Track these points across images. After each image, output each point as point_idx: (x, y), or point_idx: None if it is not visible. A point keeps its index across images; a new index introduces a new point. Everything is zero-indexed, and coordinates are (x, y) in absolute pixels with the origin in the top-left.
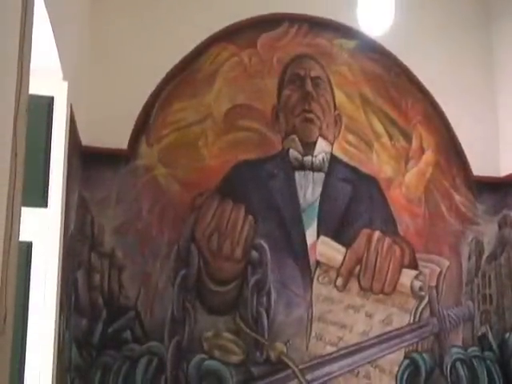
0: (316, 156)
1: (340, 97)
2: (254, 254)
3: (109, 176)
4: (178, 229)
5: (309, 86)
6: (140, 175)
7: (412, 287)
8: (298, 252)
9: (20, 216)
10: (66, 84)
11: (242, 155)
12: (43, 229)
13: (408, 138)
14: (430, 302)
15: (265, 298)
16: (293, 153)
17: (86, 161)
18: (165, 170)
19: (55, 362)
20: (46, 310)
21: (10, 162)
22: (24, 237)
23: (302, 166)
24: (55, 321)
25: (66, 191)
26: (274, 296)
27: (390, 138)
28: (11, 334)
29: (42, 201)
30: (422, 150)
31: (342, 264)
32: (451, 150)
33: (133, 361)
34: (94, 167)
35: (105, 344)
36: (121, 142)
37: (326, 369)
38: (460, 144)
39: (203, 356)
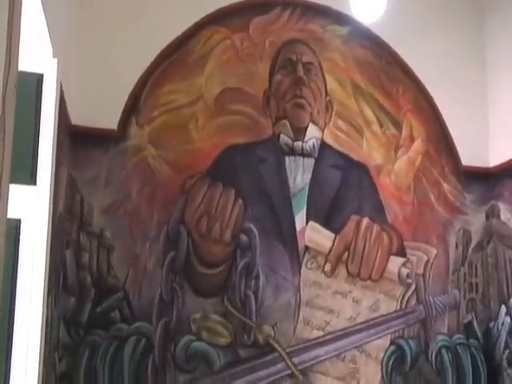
0: (306, 142)
1: (331, 83)
2: (243, 237)
3: (98, 156)
4: (168, 211)
5: (300, 72)
6: (130, 156)
7: (399, 274)
8: (287, 237)
9: (8, 193)
10: (55, 61)
11: (233, 139)
12: (32, 206)
13: (398, 126)
14: (416, 289)
15: (253, 282)
16: (283, 138)
17: (76, 140)
18: (155, 151)
19: (43, 340)
20: (34, 288)
21: None
22: (13, 214)
23: (293, 152)
24: (43, 299)
25: (54, 170)
26: (262, 280)
27: (381, 125)
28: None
29: (30, 178)
30: (411, 139)
31: (331, 250)
32: (441, 140)
33: (121, 340)
34: (83, 147)
35: (93, 323)
36: (111, 122)
37: (313, 353)
38: (449, 134)
39: (191, 337)
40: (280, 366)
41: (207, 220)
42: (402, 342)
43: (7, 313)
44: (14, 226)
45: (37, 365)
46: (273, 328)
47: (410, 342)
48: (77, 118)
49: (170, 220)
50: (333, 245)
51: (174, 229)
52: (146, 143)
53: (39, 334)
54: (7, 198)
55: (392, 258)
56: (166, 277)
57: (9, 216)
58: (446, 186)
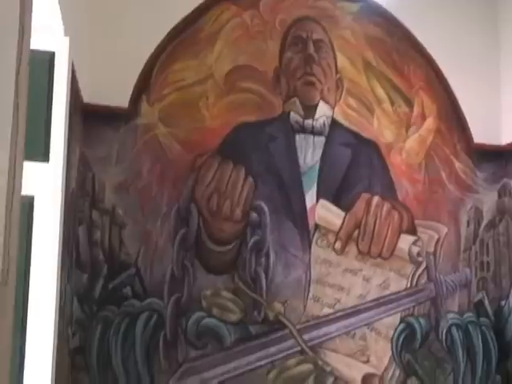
0: (317, 119)
1: (342, 61)
2: (254, 215)
3: (109, 134)
4: (178, 188)
5: (311, 49)
6: (140, 134)
7: (410, 253)
8: (297, 215)
9: (22, 170)
10: (67, 40)
11: (243, 117)
12: (45, 183)
13: (410, 103)
14: (427, 267)
15: (263, 259)
16: (293, 116)
17: (87, 118)
18: (165, 129)
19: (57, 315)
20: (48, 264)
21: (12, 116)
22: (26, 191)
23: (303, 130)
24: (57, 275)
25: (67, 147)
26: (272, 257)
27: (392, 103)
28: (14, 287)
29: (43, 155)
30: (423, 117)
31: (341, 228)
32: (453, 117)
33: (133, 316)
34: (94, 125)
35: (105, 299)
36: (122, 100)
37: (323, 330)
38: (461, 111)
39: (202, 314)
40: (290, 342)
41: (217, 198)
42: (412, 319)
43: (21, 289)
44: (28, 203)
45: (51, 339)
46: (283, 305)
47: (421, 320)
48: (88, 96)
49: (181, 198)
50: (343, 223)
51: (185, 206)
52: (157, 121)
53: (53, 309)
54: (22, 175)
55: (402, 236)
56: (177, 254)
57: (22, 193)
58: (457, 164)
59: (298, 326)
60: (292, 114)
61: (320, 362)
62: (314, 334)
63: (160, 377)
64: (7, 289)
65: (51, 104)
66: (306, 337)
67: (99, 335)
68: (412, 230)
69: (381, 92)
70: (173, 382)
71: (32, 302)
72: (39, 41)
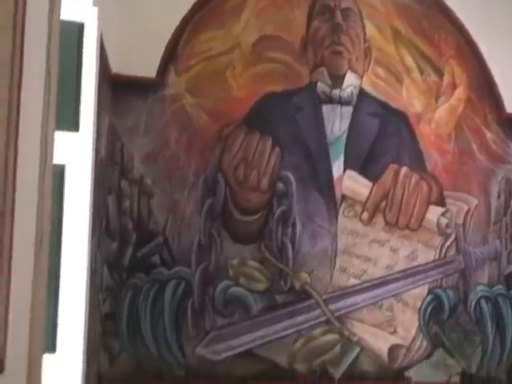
0: (344, 89)
1: (370, 29)
2: (280, 185)
3: (138, 104)
4: (205, 158)
5: (339, 18)
6: (168, 104)
7: (438, 224)
8: (324, 185)
9: (54, 139)
10: (95, 10)
11: (269, 87)
12: (75, 153)
13: (440, 72)
14: (456, 239)
15: (290, 229)
16: (321, 86)
17: (115, 89)
18: (192, 99)
19: (88, 283)
20: (79, 232)
21: (44, 87)
22: (57, 160)
23: (330, 100)
24: (88, 242)
25: (96, 117)
26: (298, 227)
27: (421, 72)
28: (47, 252)
29: (73, 125)
30: (453, 86)
31: (368, 198)
32: (484, 87)
33: (161, 284)
34: (123, 95)
35: (134, 267)
36: (150, 70)
37: (350, 300)
38: (493, 80)
39: (229, 282)
40: (316, 312)
41: (244, 168)
42: (440, 291)
43: (54, 257)
44: (59, 172)
45: (83, 306)
46: (309, 275)
47: (449, 291)
48: (116, 67)
49: (208, 167)
50: (370, 193)
51: (212, 176)
52: (184, 91)
53: (84, 276)
54: (53, 145)
55: (431, 207)
56: (205, 223)
57: (54, 162)
58: (488, 134)
59: (324, 296)
60: (319, 83)
61: (346, 332)
62: (341, 304)
63: (188, 343)
64: (41, 254)
65: (80, 74)
66: (332, 307)
67: (129, 302)
68: (441, 202)
69: (410, 61)
70: (200, 349)
71: (64, 269)
72: (68, 12)
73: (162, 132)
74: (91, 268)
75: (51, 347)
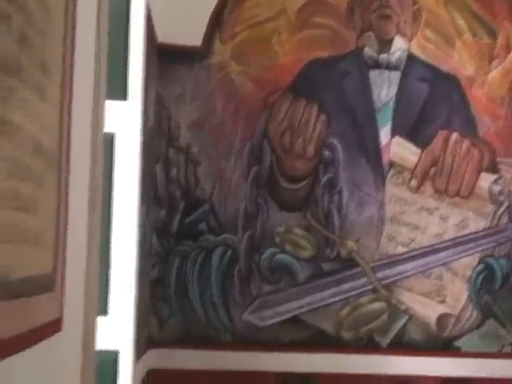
0: (392, 54)
1: None
2: (326, 152)
3: (184, 73)
4: (251, 126)
5: None
6: (214, 72)
7: (490, 191)
8: (371, 152)
9: (105, 108)
10: None
11: (316, 53)
12: (124, 121)
13: (493, 34)
14: (509, 207)
15: (336, 197)
16: (368, 51)
17: (162, 58)
18: (238, 67)
19: (138, 249)
20: (129, 199)
21: (95, 57)
22: (107, 129)
23: (377, 65)
24: (137, 210)
25: (144, 86)
26: (345, 195)
27: (474, 34)
28: (100, 213)
29: (122, 94)
30: (507, 48)
31: (417, 165)
32: None
33: (208, 251)
34: (169, 64)
35: (182, 234)
36: (195, 38)
37: (398, 268)
38: None
39: (275, 250)
40: (363, 280)
41: (290, 135)
42: (491, 260)
43: (105, 223)
44: (109, 140)
45: (133, 271)
46: (356, 243)
47: (501, 261)
48: (162, 36)
49: (254, 135)
50: (419, 160)
51: (258, 144)
52: (229, 59)
53: (134, 242)
54: (104, 113)
55: (483, 174)
56: (251, 191)
57: (104, 130)
58: None
59: (371, 264)
60: (366, 48)
61: (394, 301)
62: (388, 272)
63: (235, 309)
64: (94, 215)
65: (128, 44)
66: (379, 275)
67: (177, 268)
68: (493, 168)
69: (461, 23)
70: (247, 315)
71: (115, 236)
72: None
73: (207, 100)
74: (141, 235)
75: (104, 310)
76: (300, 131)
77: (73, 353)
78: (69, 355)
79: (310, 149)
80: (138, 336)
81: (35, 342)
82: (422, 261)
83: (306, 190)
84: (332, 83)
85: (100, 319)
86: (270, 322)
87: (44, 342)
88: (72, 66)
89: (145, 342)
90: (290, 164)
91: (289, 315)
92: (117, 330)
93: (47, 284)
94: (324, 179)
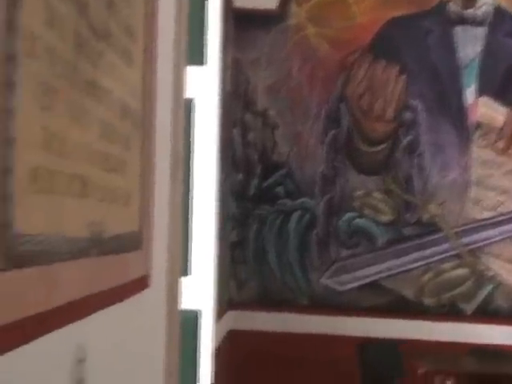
0: (478, 8)
1: None
2: (407, 114)
3: (260, 37)
4: (328, 89)
5: None
6: (290, 35)
7: None
8: (455, 113)
9: (184, 74)
10: None
11: (395, 11)
12: (203, 86)
13: None
14: None
15: (417, 160)
16: (451, 6)
17: (238, 22)
18: (314, 29)
19: (217, 212)
20: (208, 163)
21: (175, 23)
22: (187, 94)
23: (462, 20)
24: (216, 173)
25: (221, 51)
26: (427, 158)
27: None
28: (182, 181)
29: (200, 59)
30: None
31: (504, 126)
32: None
33: (286, 215)
34: (245, 29)
35: (260, 198)
36: (271, 2)
37: (484, 234)
38: None
39: (353, 214)
40: (446, 245)
41: (369, 97)
42: None
43: (186, 187)
44: (189, 105)
45: (212, 234)
46: (439, 207)
47: None
48: (239, 1)
49: (331, 98)
50: (507, 121)
51: (335, 106)
52: (306, 21)
53: (214, 206)
54: (184, 79)
55: None
56: (328, 154)
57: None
58: None
59: (455, 229)
60: (450, 4)
61: (480, 267)
62: (474, 237)
63: (312, 273)
64: (176, 178)
65: (205, 9)
66: (464, 240)
67: (255, 231)
68: None
69: None
70: (325, 279)
71: (195, 201)
72: None
73: (284, 63)
74: (219, 198)
75: (186, 271)
76: (379, 93)
77: (159, 310)
78: (155, 312)
79: (390, 111)
80: (219, 297)
81: (126, 297)
82: (510, 226)
83: (386, 152)
84: (413, 42)
85: (183, 279)
86: (349, 286)
87: (133, 297)
88: (155, 32)
89: (225, 303)
90: (369, 126)
91: (367, 280)
92: (199, 291)
93: (135, 242)
94: (404, 142)
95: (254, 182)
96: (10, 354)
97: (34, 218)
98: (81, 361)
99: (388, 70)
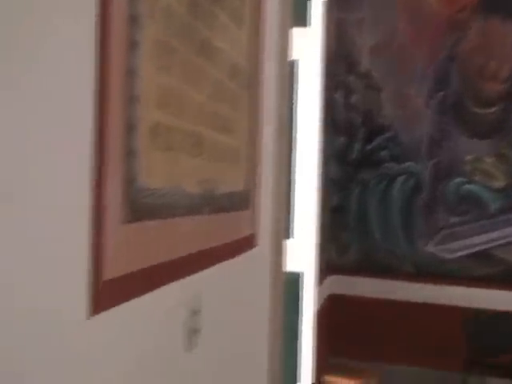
0: None
1: None
2: None
3: None
4: (436, 48)
5: None
6: None
7: None
8: None
9: (290, 36)
10: None
11: None
12: (306, 48)
13: None
14: None
15: None
16: None
17: None
18: None
19: (318, 175)
20: (310, 126)
21: None
22: (291, 55)
23: None
24: (318, 136)
25: (325, 11)
26: None
27: None
28: (286, 145)
29: (303, 20)
30: None
31: None
32: None
33: (390, 179)
34: None
35: (362, 161)
36: None
37: None
38: None
39: (462, 179)
40: None
41: (481, 56)
42: None
43: (289, 150)
44: (292, 67)
45: (314, 198)
46: None
47: None
48: None
49: (439, 58)
50: None
51: (444, 67)
52: None
53: (316, 170)
54: (289, 41)
55: None
56: (435, 116)
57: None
58: None
59: None
60: None
61: None
62: None
63: (418, 240)
64: (281, 140)
65: None
66: None
67: (357, 196)
68: None
69: None
70: (431, 247)
71: (297, 160)
72: None
73: (389, 23)
74: (321, 162)
75: (289, 234)
76: (493, 50)
77: (265, 269)
78: (261, 271)
79: (505, 70)
80: (320, 260)
81: (236, 254)
82: None
83: (499, 115)
84: None
85: (287, 242)
86: (457, 255)
87: (243, 255)
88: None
89: (326, 267)
90: (480, 87)
91: (477, 249)
92: (301, 254)
93: (244, 201)
94: None
95: (357, 145)
96: (133, 301)
97: (155, 172)
98: (196, 312)
99: (503, 27)
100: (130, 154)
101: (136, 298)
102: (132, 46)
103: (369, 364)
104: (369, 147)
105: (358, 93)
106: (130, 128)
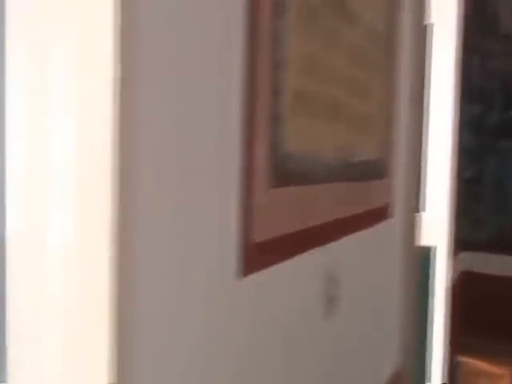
0: None
1: None
2: None
3: None
4: None
5: None
6: None
7: None
8: None
9: None
10: None
11: None
12: (442, 10)
13: None
14: None
15: None
16: None
17: None
18: None
19: (453, 146)
20: (444, 92)
21: None
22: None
23: None
24: (452, 104)
25: None
26: None
27: None
28: (420, 111)
29: None
30: None
31: None
32: None
33: None
34: None
35: (500, 130)
36: None
37: None
38: None
39: None
40: None
41: None
42: None
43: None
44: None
45: (448, 170)
46: None
47: None
48: None
49: None
50: None
51: None
52: None
53: (449, 139)
54: (427, 4)
55: None
56: None
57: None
58: None
59: None
60: None
61: None
62: None
63: None
64: (415, 113)
65: None
66: None
67: (493, 167)
68: None
69: None
70: None
71: (430, 130)
72: None
73: None
74: (455, 131)
75: (421, 206)
76: None
77: (398, 241)
78: (395, 243)
79: None
80: (453, 235)
81: (371, 224)
82: None
83: None
84: None
85: (420, 215)
86: None
87: (378, 225)
88: None
89: (459, 242)
90: None
91: None
92: (433, 228)
93: (379, 171)
94: None
95: (495, 113)
96: (277, 265)
97: (298, 138)
98: (333, 280)
99: None
100: (276, 118)
101: (280, 263)
102: (280, 8)
103: (503, 347)
104: (507, 116)
105: (497, 58)
106: (276, 93)
